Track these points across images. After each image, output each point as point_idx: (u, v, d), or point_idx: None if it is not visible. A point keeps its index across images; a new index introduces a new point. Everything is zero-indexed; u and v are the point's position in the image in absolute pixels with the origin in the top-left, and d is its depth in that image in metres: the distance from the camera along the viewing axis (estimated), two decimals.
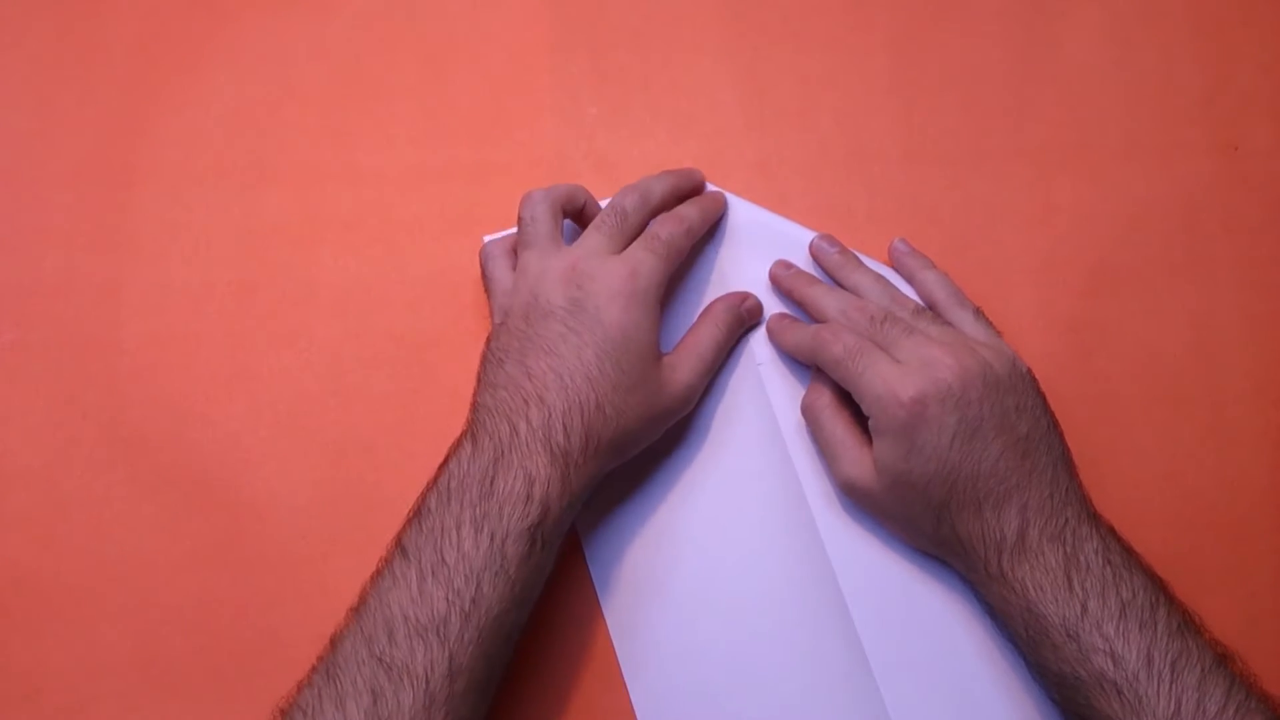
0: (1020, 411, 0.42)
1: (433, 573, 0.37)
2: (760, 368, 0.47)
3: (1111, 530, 0.41)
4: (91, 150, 0.51)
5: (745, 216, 0.50)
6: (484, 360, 0.43)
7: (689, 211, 0.47)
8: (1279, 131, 0.51)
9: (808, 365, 0.47)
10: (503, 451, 0.39)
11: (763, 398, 0.47)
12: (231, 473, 0.47)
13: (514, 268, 0.46)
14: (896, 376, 0.41)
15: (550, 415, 0.40)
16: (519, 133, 0.51)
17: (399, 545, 0.39)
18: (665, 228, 0.45)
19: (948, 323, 0.45)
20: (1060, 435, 0.43)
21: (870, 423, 0.42)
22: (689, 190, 0.49)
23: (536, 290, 0.43)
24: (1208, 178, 0.51)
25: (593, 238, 0.44)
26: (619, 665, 0.45)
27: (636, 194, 0.46)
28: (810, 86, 0.52)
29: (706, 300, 0.48)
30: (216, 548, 0.46)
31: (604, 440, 0.41)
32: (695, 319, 0.47)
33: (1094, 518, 0.41)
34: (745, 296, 0.48)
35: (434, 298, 0.49)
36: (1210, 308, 0.49)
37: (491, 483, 0.39)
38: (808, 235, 0.49)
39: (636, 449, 0.44)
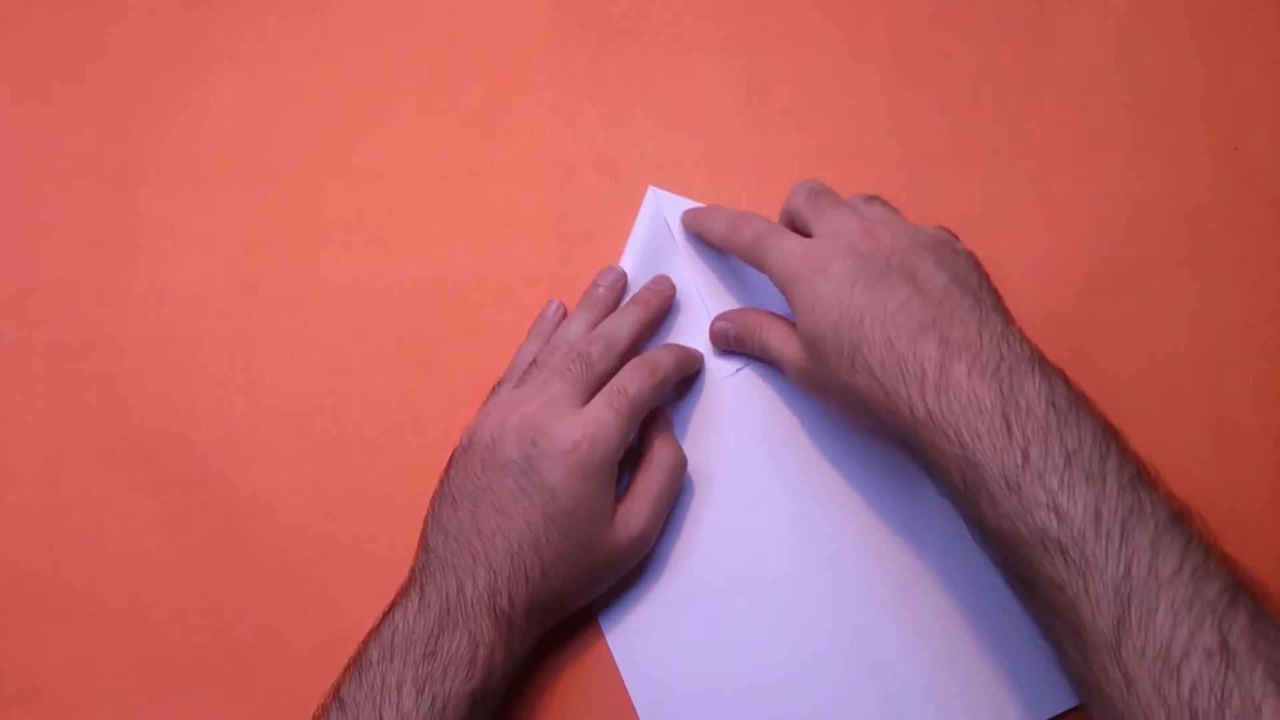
0: (941, 265, 0.39)
1: None
2: (734, 375, 0.47)
3: (1060, 373, 0.37)
4: (91, 150, 0.51)
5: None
6: (440, 490, 0.43)
7: (664, 359, 0.44)
8: (1279, 131, 0.51)
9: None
10: (449, 609, 0.39)
11: (741, 405, 0.47)
12: (231, 473, 0.47)
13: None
14: (803, 247, 0.41)
15: (496, 580, 0.39)
16: (519, 133, 0.51)
17: (336, 697, 0.38)
18: (635, 381, 0.42)
19: (895, 209, 0.44)
20: (999, 298, 0.40)
21: (786, 300, 0.41)
22: (657, 319, 0.47)
23: (496, 435, 0.41)
24: (1208, 178, 0.51)
25: (555, 384, 0.42)
26: (618, 668, 0.45)
27: (603, 341, 0.44)
28: (810, 86, 0.52)
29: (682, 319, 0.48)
30: (216, 548, 0.46)
31: (547, 606, 0.41)
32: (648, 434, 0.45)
33: (1037, 359, 0.37)
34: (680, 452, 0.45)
35: (434, 298, 0.49)
36: (1210, 308, 0.49)
37: (436, 641, 0.38)
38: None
39: (578, 606, 0.43)
